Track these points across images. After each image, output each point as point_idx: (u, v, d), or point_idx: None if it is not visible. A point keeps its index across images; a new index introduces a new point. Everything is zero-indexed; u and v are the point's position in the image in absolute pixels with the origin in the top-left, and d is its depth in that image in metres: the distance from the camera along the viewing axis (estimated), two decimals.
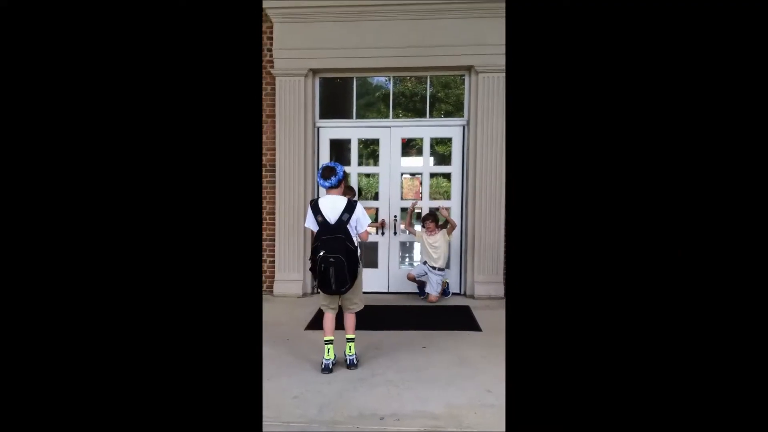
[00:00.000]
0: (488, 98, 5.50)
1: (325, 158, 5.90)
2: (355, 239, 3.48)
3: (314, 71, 5.73)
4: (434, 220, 5.49)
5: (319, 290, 3.61)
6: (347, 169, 5.89)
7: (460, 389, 3.18)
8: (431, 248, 5.46)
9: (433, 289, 5.48)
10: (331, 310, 3.62)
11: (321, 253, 3.35)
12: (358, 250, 3.54)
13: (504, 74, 5.44)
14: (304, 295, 5.75)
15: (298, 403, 2.98)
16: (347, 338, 3.63)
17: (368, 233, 3.62)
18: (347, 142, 5.97)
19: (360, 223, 3.48)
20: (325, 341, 3.53)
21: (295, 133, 5.66)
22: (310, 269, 3.59)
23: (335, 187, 3.46)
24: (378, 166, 5.97)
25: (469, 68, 5.60)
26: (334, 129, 5.95)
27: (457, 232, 5.86)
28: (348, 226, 3.41)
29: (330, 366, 3.50)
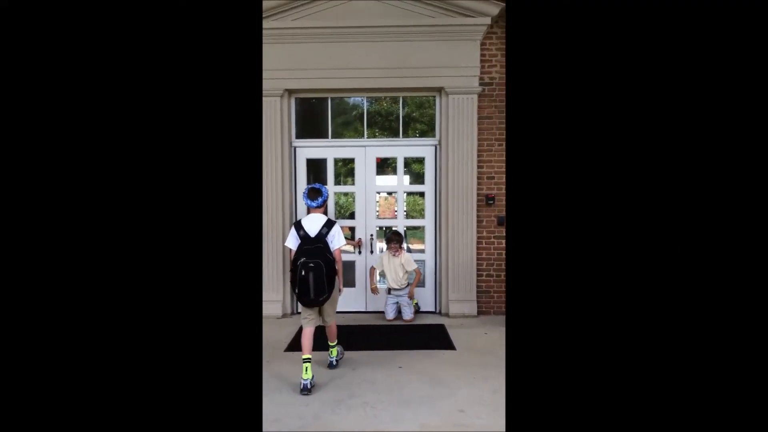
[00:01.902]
0: (458, 119, 5.66)
1: (302, 177, 6.00)
2: (333, 251, 3.77)
3: (290, 91, 5.83)
4: (398, 240, 5.54)
5: (298, 304, 3.80)
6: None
7: (435, 409, 3.30)
8: (393, 271, 5.55)
9: (407, 313, 5.58)
10: (311, 323, 3.80)
11: (302, 260, 3.63)
12: (338, 266, 3.81)
13: (473, 96, 5.63)
14: (284, 315, 5.80)
15: (277, 426, 3.05)
16: (330, 345, 4.07)
17: (341, 252, 3.87)
18: (324, 161, 6.07)
19: (336, 239, 3.79)
20: (303, 360, 3.63)
21: (272, 153, 5.74)
22: (291, 281, 3.79)
23: (320, 207, 3.83)
24: (354, 185, 6.08)
25: (439, 89, 5.76)
26: (310, 149, 6.05)
27: (431, 250, 6.00)
28: (327, 239, 3.73)
29: (308, 386, 3.57)
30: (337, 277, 3.80)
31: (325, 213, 3.94)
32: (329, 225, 3.76)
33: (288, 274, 5.23)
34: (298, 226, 3.79)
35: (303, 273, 3.60)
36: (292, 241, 3.80)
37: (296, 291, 3.70)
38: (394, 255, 5.58)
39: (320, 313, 3.85)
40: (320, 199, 3.78)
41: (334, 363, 4.07)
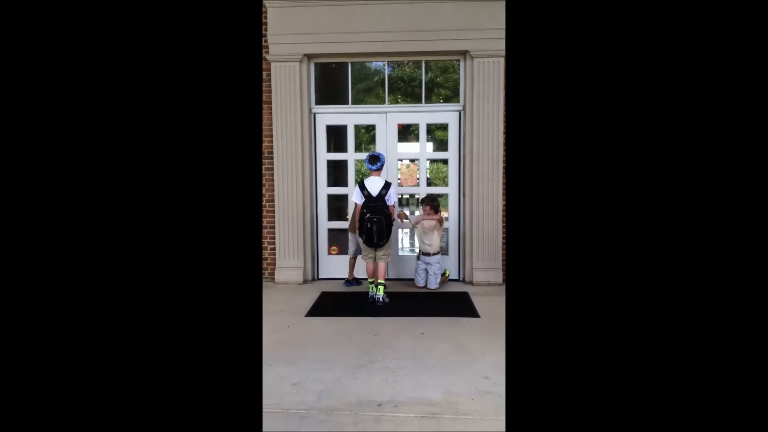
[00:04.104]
0: (483, 83, 5.46)
1: (321, 144, 5.91)
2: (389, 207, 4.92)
3: (309, 56, 5.69)
4: (432, 206, 5.38)
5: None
6: (345, 155, 5.97)
7: (458, 376, 3.22)
8: (424, 234, 5.43)
9: (433, 282, 5.45)
10: (371, 259, 5.01)
11: (368, 215, 4.81)
12: (393, 221, 5.00)
13: (500, 59, 5.41)
14: (305, 281, 5.78)
15: (297, 391, 3.02)
16: (379, 282, 4.94)
17: (395, 207, 5.08)
18: (344, 128, 5.95)
19: (391, 197, 4.95)
20: (370, 282, 5.01)
21: (291, 120, 5.64)
22: (358, 228, 4.96)
23: (378, 170, 4.96)
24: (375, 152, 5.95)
25: (464, 53, 5.56)
26: (330, 115, 5.93)
27: (454, 218, 5.88)
28: (385, 198, 4.88)
29: (373, 297, 4.89)
30: (392, 225, 4.95)
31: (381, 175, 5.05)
32: (387, 187, 4.92)
33: (309, 240, 5.35)
34: (362, 186, 4.94)
35: (368, 225, 4.80)
36: (357, 197, 4.93)
37: (363, 237, 4.87)
38: (423, 217, 5.41)
39: (376, 252, 4.94)
40: (378, 164, 4.93)
41: (380, 300, 4.85)
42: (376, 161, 4.95)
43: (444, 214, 5.88)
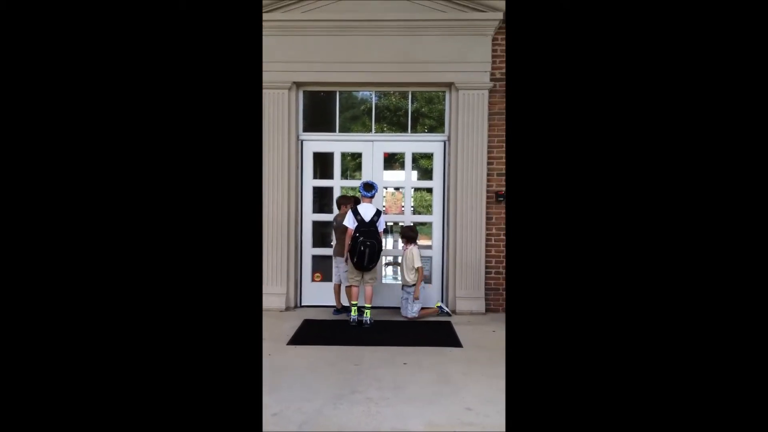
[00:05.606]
0: (468, 115, 5.57)
1: (308, 171, 5.94)
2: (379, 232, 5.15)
3: (298, 84, 5.76)
4: (405, 235, 5.55)
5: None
6: (331, 182, 6.00)
7: (441, 407, 3.19)
8: (404, 266, 5.53)
9: (409, 311, 5.48)
10: (357, 282, 5.18)
11: (361, 239, 4.98)
12: (383, 245, 5.21)
13: (485, 92, 5.53)
14: (287, 308, 5.72)
15: (277, 421, 2.97)
16: (366, 306, 5.12)
17: (382, 234, 5.25)
18: (331, 155, 5.98)
19: (381, 224, 5.18)
20: (352, 304, 5.16)
21: (278, 146, 5.67)
22: (349, 251, 5.08)
23: (371, 197, 5.17)
24: (361, 179, 5.98)
25: (449, 85, 5.67)
26: (317, 142, 5.97)
27: (438, 247, 5.90)
28: (377, 224, 5.08)
29: (355, 320, 5.07)
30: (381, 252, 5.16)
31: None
32: (378, 214, 5.14)
33: (292, 266, 5.37)
34: (356, 212, 5.10)
35: (362, 248, 4.95)
36: (350, 222, 5.06)
37: (354, 259, 5.01)
38: (404, 249, 5.52)
39: (362, 277, 5.14)
40: (372, 191, 5.16)
41: (368, 322, 5.05)
42: (370, 189, 5.17)
43: (427, 242, 5.91)
